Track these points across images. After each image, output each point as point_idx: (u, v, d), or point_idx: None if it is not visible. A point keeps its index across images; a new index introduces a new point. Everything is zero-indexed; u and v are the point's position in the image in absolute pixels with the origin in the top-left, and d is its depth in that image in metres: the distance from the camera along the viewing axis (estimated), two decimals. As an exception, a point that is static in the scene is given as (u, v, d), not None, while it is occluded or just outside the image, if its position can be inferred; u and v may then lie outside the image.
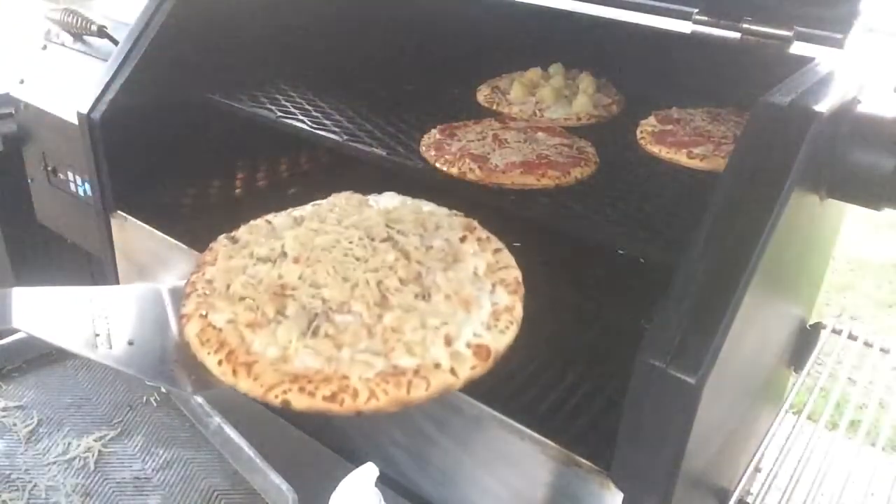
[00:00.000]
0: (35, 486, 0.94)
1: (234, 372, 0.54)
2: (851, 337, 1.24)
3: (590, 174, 0.95)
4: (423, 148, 1.00)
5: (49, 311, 0.65)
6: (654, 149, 1.03)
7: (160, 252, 1.18)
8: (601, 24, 1.22)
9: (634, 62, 1.24)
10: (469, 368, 0.54)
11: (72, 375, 1.12)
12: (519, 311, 0.59)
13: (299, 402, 0.52)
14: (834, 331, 1.22)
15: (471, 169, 0.92)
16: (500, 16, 1.36)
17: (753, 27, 1.03)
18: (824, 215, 0.94)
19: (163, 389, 1.09)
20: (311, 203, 0.66)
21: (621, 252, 0.80)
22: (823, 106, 0.73)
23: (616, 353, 1.08)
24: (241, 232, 0.62)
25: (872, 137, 0.79)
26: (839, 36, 0.95)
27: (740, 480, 0.99)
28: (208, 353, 0.55)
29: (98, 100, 1.15)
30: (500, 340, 0.55)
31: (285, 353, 0.53)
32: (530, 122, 1.12)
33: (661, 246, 0.79)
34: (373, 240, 0.58)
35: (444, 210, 0.67)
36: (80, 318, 0.64)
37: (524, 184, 0.91)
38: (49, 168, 1.39)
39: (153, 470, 0.96)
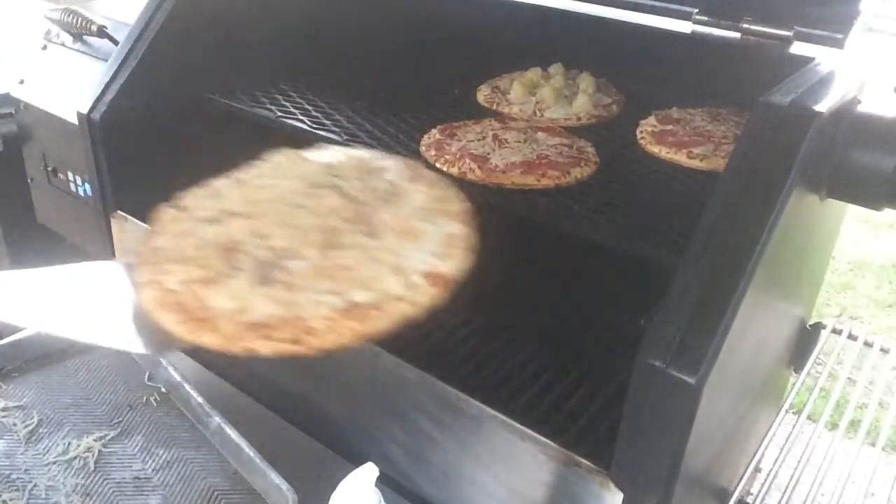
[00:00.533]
0: (35, 486, 0.94)
1: (195, 329, 0.53)
2: (851, 337, 1.24)
3: (590, 174, 0.95)
4: (423, 148, 1.00)
5: (9, 294, 0.64)
6: (654, 149, 1.03)
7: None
8: (601, 24, 1.22)
9: (634, 62, 1.24)
10: (426, 296, 0.53)
11: (72, 375, 1.12)
12: (472, 238, 0.59)
13: (264, 347, 0.53)
14: (834, 331, 1.22)
15: (471, 169, 0.92)
16: (500, 16, 1.36)
17: (753, 27, 1.03)
18: (824, 215, 0.94)
19: (163, 389, 1.09)
20: (240, 169, 0.65)
21: (621, 252, 0.80)
22: (823, 106, 0.73)
23: (616, 353, 1.08)
24: (186, 199, 0.62)
25: (872, 137, 0.79)
26: (839, 36, 0.95)
27: (740, 480, 0.99)
28: (167, 315, 0.54)
29: (98, 100, 1.15)
30: (454, 266, 0.56)
31: (243, 304, 0.53)
32: (530, 122, 1.12)
33: (660, 246, 0.79)
34: (316, 188, 0.58)
35: (385, 155, 0.67)
36: (42, 297, 0.62)
37: (524, 184, 0.91)
38: (49, 168, 1.39)
39: (153, 470, 0.96)
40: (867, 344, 1.24)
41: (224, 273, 0.55)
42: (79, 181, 1.33)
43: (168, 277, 0.56)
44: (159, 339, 0.56)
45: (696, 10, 1.07)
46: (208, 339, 0.54)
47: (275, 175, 0.62)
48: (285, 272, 0.54)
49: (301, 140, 1.10)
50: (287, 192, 0.59)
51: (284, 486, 0.89)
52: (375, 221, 0.57)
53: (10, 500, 0.91)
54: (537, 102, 1.18)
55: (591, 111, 1.15)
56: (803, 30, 0.99)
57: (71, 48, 1.39)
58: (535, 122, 1.13)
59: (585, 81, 1.23)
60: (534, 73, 1.26)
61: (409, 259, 0.53)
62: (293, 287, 0.53)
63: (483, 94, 1.23)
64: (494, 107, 1.19)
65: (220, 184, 0.63)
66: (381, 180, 0.61)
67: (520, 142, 1.01)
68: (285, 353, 0.53)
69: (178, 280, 0.55)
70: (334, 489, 0.82)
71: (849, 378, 1.19)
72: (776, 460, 1.01)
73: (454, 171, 0.93)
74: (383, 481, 0.86)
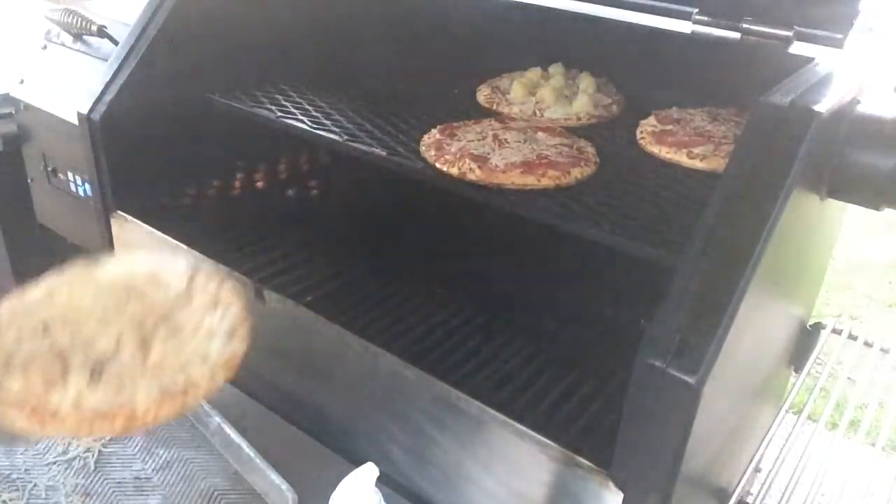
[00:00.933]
0: (35, 485, 0.94)
1: (42, 422, 0.64)
2: (851, 337, 1.24)
3: (590, 174, 0.95)
4: (423, 148, 1.00)
5: None
6: (654, 149, 1.03)
7: (160, 252, 1.18)
8: (601, 24, 1.22)
9: (634, 62, 1.24)
10: (224, 375, 0.68)
11: (72, 375, 1.12)
12: (248, 324, 0.72)
13: (102, 430, 0.65)
14: (834, 331, 1.22)
15: (471, 169, 0.92)
16: (500, 16, 1.36)
17: (753, 27, 1.03)
18: (824, 215, 0.94)
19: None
20: (44, 282, 0.76)
21: (621, 252, 0.80)
22: (823, 106, 0.73)
23: (616, 353, 1.08)
24: (3, 314, 0.72)
25: (872, 137, 0.79)
26: (839, 36, 0.95)
27: (740, 480, 0.99)
28: (15, 414, 0.64)
29: (98, 100, 1.15)
30: (241, 348, 0.69)
31: (80, 400, 0.64)
32: (530, 122, 1.12)
33: (660, 246, 0.79)
34: (122, 299, 0.71)
35: (164, 260, 0.82)
36: None
37: (524, 184, 0.91)
38: (49, 168, 1.39)
39: (153, 470, 0.96)
40: (867, 344, 1.23)
41: (60, 374, 0.66)
42: (79, 181, 1.33)
43: (12, 382, 0.65)
44: (9, 433, 0.67)
45: (696, 10, 1.07)
46: (54, 430, 0.65)
47: (82, 288, 0.73)
48: (111, 370, 0.66)
49: (301, 140, 1.10)
50: (98, 303, 0.71)
51: (284, 486, 0.90)
52: (175, 321, 0.71)
53: (10, 500, 0.91)
54: (537, 102, 1.18)
55: (591, 111, 1.15)
56: (803, 30, 0.99)
57: (71, 48, 1.39)
58: (535, 122, 1.13)
59: (585, 81, 1.23)
60: (534, 73, 1.26)
61: (207, 348, 0.68)
62: (120, 382, 0.66)
63: (483, 94, 1.23)
64: (494, 107, 1.19)
65: (31, 297, 0.73)
66: (171, 286, 0.74)
67: (520, 142, 1.01)
68: (119, 431, 0.65)
69: (18, 387, 0.65)
70: (334, 489, 0.82)
71: (849, 378, 1.19)
72: (776, 460, 1.01)
73: (454, 171, 0.93)
74: (383, 481, 0.86)
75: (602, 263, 1.20)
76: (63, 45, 1.40)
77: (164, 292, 0.73)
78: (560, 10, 1.26)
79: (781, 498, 0.97)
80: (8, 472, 0.95)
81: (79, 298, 0.72)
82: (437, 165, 0.95)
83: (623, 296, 1.22)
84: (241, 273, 1.09)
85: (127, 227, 1.22)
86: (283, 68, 1.29)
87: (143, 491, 0.93)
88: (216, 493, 0.93)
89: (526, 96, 1.20)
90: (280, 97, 1.18)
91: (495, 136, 1.02)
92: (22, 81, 1.41)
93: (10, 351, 0.68)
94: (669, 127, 1.07)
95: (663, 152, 1.01)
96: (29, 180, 1.48)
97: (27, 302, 0.71)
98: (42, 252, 1.65)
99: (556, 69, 1.28)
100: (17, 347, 0.69)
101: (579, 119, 1.14)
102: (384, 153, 0.99)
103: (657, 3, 1.11)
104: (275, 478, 0.91)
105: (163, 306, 0.71)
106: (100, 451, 0.99)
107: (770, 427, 1.07)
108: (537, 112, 1.15)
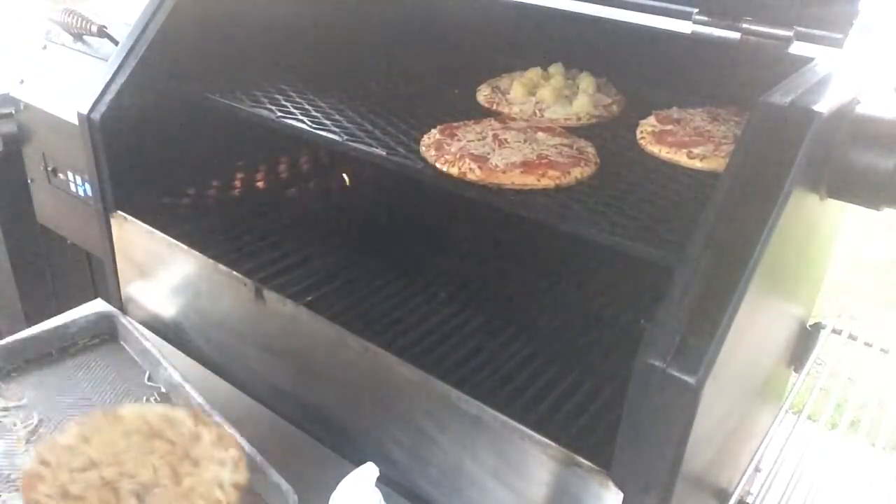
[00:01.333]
0: (35, 486, 0.93)
1: None
2: (851, 337, 1.24)
3: (590, 174, 0.95)
4: (423, 148, 1.00)
5: None
6: (654, 149, 1.03)
7: (160, 252, 1.18)
8: (601, 24, 1.22)
9: (634, 62, 1.24)
10: (237, 498, 0.83)
11: (72, 375, 1.12)
12: (244, 463, 0.88)
13: None
14: (834, 331, 1.22)
15: (471, 169, 0.92)
16: (499, 16, 1.36)
17: (753, 27, 1.03)
18: (824, 215, 0.94)
19: (163, 389, 1.09)
20: (75, 422, 0.90)
21: (621, 252, 0.80)
22: (823, 106, 0.73)
23: (616, 353, 1.08)
24: (50, 457, 0.84)
25: (872, 137, 0.79)
26: (839, 36, 0.95)
27: (740, 480, 0.99)
28: None
29: (98, 100, 1.15)
30: (245, 477, 0.86)
31: None
32: (530, 122, 1.12)
33: (660, 246, 0.79)
34: (148, 437, 0.87)
35: (169, 407, 0.96)
36: None
37: (524, 184, 0.91)
38: (49, 168, 1.39)
39: (153, 470, 0.96)
40: (867, 344, 1.23)
41: (114, 501, 0.80)
42: (79, 181, 1.33)
43: None
44: None
45: (696, 10, 1.07)
46: None
47: (111, 430, 0.88)
48: (153, 498, 0.81)
49: (301, 140, 1.10)
50: (130, 441, 0.86)
51: (284, 486, 0.89)
52: (193, 455, 0.87)
53: (10, 499, 0.91)
54: (537, 102, 1.18)
55: (592, 111, 1.15)
56: (803, 30, 0.99)
57: (71, 48, 1.39)
58: (535, 122, 1.13)
59: (585, 81, 1.23)
60: (534, 73, 1.26)
61: (222, 477, 0.84)
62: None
63: (483, 94, 1.23)
64: (494, 107, 1.19)
65: (66, 441, 0.85)
66: (181, 425, 0.90)
67: (520, 142, 1.01)
68: None
69: None
70: (334, 489, 0.82)
71: (849, 378, 1.19)
72: (776, 460, 1.01)
73: (454, 171, 0.93)
74: (383, 481, 0.86)
75: (602, 263, 1.20)
76: (63, 45, 1.41)
77: (178, 431, 0.89)
78: (560, 10, 1.26)
79: (781, 498, 0.97)
80: (8, 472, 0.95)
81: (112, 439, 0.85)
82: (437, 165, 0.95)
83: (623, 296, 1.22)
84: (241, 273, 1.09)
85: (127, 227, 1.22)
86: (283, 68, 1.29)
87: (143, 491, 0.93)
88: (216, 493, 0.93)
89: (526, 96, 1.20)
90: (280, 97, 1.18)
91: (495, 136, 1.02)
92: (22, 81, 1.41)
93: (66, 484, 0.81)
94: (669, 127, 1.07)
95: (663, 152, 1.01)
96: (29, 180, 1.48)
97: (64, 445, 0.84)
98: (42, 252, 1.65)
99: (556, 69, 1.28)
100: (70, 481, 0.82)
101: (579, 119, 1.14)
102: (384, 153, 0.99)
103: (657, 3, 1.11)
104: (275, 478, 0.91)
105: (182, 443, 0.87)
106: (100, 452, 0.99)
107: (770, 427, 1.07)
108: (537, 112, 1.15)
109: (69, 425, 0.88)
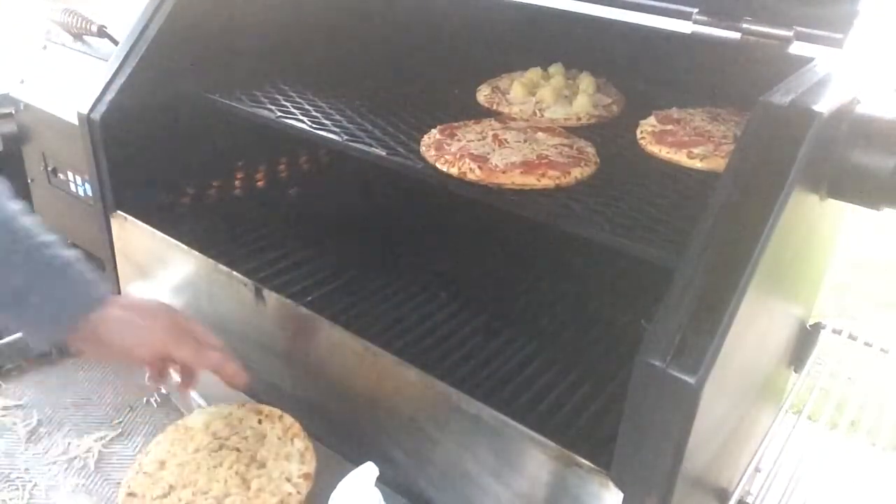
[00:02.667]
0: (35, 485, 0.94)
1: None
2: (851, 337, 1.24)
3: (590, 174, 0.95)
4: (423, 148, 1.00)
5: None
6: (654, 149, 1.03)
7: (160, 252, 1.18)
8: (601, 24, 1.22)
9: (634, 62, 1.24)
10: (306, 486, 0.90)
11: (72, 375, 1.12)
12: (311, 450, 0.95)
13: None
14: (834, 331, 1.22)
15: (471, 169, 0.92)
16: (499, 16, 1.36)
17: (753, 27, 1.03)
18: (824, 215, 0.94)
19: (163, 390, 1.09)
20: (154, 443, 0.96)
21: (621, 252, 0.80)
22: (823, 106, 0.73)
23: (616, 353, 1.08)
24: (136, 487, 0.90)
25: (872, 137, 0.79)
26: (839, 36, 0.95)
27: (740, 480, 0.99)
28: None
29: (98, 100, 1.15)
30: (312, 466, 0.92)
31: None
32: (530, 122, 1.12)
33: (660, 246, 0.79)
34: (214, 451, 0.93)
35: (234, 407, 1.02)
36: None
37: (524, 184, 0.91)
38: (49, 168, 1.39)
39: (153, 470, 0.96)
40: (867, 344, 1.23)
41: None
42: (79, 181, 1.33)
43: None
44: None
45: (696, 10, 1.07)
46: None
47: (182, 450, 0.94)
48: None
49: (301, 140, 1.10)
50: (200, 458, 0.92)
51: (284, 486, 0.90)
52: (260, 458, 0.93)
53: (10, 499, 0.91)
54: (537, 102, 1.18)
55: (591, 111, 1.15)
56: (803, 30, 0.99)
57: (71, 48, 1.39)
58: (535, 122, 1.13)
59: (585, 81, 1.23)
60: (534, 73, 1.26)
61: (289, 471, 0.91)
62: None
63: (483, 94, 1.23)
64: (494, 107, 1.19)
65: (148, 468, 0.92)
66: (247, 428, 0.97)
67: (520, 142, 1.01)
68: None
69: None
70: (334, 489, 0.82)
71: (849, 378, 1.19)
72: (776, 460, 1.01)
73: (454, 171, 0.93)
74: (383, 481, 0.86)
75: (602, 263, 1.20)
76: (63, 45, 1.41)
77: (242, 436, 0.96)
78: (560, 10, 1.26)
79: (781, 498, 0.97)
80: (8, 471, 0.95)
81: (183, 460, 0.92)
82: (437, 165, 0.95)
83: (623, 296, 1.22)
84: (241, 273, 1.09)
85: (127, 227, 1.22)
86: (283, 68, 1.29)
87: (143, 491, 0.93)
88: (216, 493, 0.93)
89: (526, 96, 1.20)
90: (280, 97, 1.18)
91: (495, 136, 1.02)
92: (22, 81, 1.41)
93: None
94: (669, 127, 1.07)
95: (663, 152, 1.01)
96: (29, 180, 1.48)
97: (146, 472, 0.91)
98: (42, 252, 1.65)
99: (556, 69, 1.28)
100: None
101: (579, 119, 1.14)
102: (384, 153, 0.99)
103: (657, 3, 1.11)
104: (275, 478, 0.91)
105: (247, 448, 0.94)
106: (100, 452, 0.99)
107: (770, 427, 1.07)
108: (537, 112, 1.15)
109: (149, 447, 0.95)
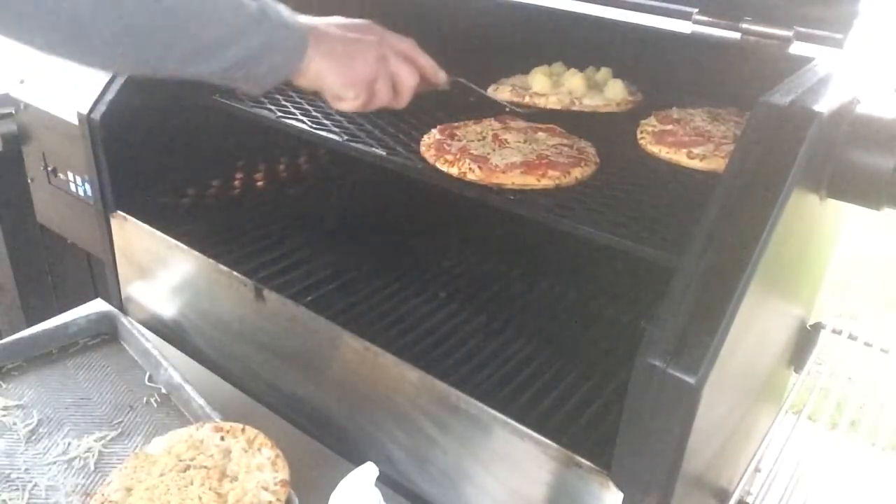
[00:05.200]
0: (35, 485, 0.94)
1: None
2: (851, 337, 1.24)
3: (590, 174, 0.95)
4: (423, 148, 1.00)
5: None
6: (654, 149, 1.03)
7: (160, 252, 1.18)
8: (601, 24, 1.22)
9: (634, 62, 1.24)
10: (285, 494, 0.88)
11: (72, 375, 1.12)
12: (282, 457, 0.93)
13: None
14: (834, 331, 1.22)
15: (471, 169, 0.92)
16: (499, 16, 1.36)
17: (753, 27, 1.03)
18: (824, 215, 0.94)
19: (163, 390, 1.09)
20: (115, 472, 0.93)
21: (621, 252, 0.80)
22: (823, 106, 0.73)
23: (616, 353, 1.08)
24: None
25: (872, 137, 0.79)
26: (839, 36, 0.95)
27: (740, 480, 0.99)
28: None
29: (98, 100, 1.15)
30: (286, 472, 0.90)
31: None
32: (564, 109, 1.13)
33: (661, 246, 0.79)
34: (183, 471, 0.91)
35: (192, 429, 0.98)
36: None
37: (524, 184, 0.91)
38: (49, 168, 1.39)
39: (153, 470, 0.96)
40: (867, 344, 1.23)
41: None
42: (79, 181, 1.33)
43: None
44: None
45: (696, 10, 1.07)
46: None
47: (148, 474, 0.91)
48: None
49: (301, 140, 1.10)
50: (168, 480, 0.89)
51: (284, 486, 0.90)
52: (230, 471, 0.91)
53: (10, 499, 0.91)
54: (570, 93, 1.18)
55: (627, 97, 1.16)
56: (803, 30, 0.99)
57: (71, 48, 1.38)
58: (570, 107, 1.14)
59: (604, 72, 1.23)
60: (554, 67, 1.27)
61: (263, 481, 0.89)
62: None
63: (507, 91, 1.22)
64: (526, 99, 1.18)
65: (114, 497, 0.88)
66: (209, 446, 0.94)
67: (520, 142, 1.01)
68: None
69: None
70: (334, 489, 0.82)
71: (849, 378, 1.19)
72: (776, 460, 1.01)
73: (454, 171, 0.93)
74: (383, 481, 0.86)
75: (602, 263, 1.20)
76: (63, 45, 1.40)
77: (207, 454, 0.93)
78: (560, 11, 1.26)
79: (781, 498, 0.97)
80: (8, 471, 0.95)
81: (151, 483, 0.89)
82: (437, 165, 0.95)
83: (623, 296, 1.22)
84: (241, 273, 1.09)
85: (127, 227, 1.22)
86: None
87: (143, 491, 0.93)
88: (216, 493, 0.93)
89: (552, 88, 1.20)
90: (280, 97, 1.18)
91: (495, 136, 1.02)
92: (22, 81, 1.41)
93: None
94: (669, 127, 1.07)
95: (663, 152, 1.01)
96: (29, 180, 1.48)
97: (112, 501, 0.88)
98: (42, 252, 1.65)
99: (557, 68, 1.28)
100: None
101: (618, 105, 1.15)
102: (384, 153, 0.99)
103: (657, 3, 1.11)
104: (275, 478, 0.91)
105: (214, 465, 0.91)
106: (100, 452, 0.99)
107: (770, 427, 1.07)
108: (575, 102, 1.16)
109: (112, 475, 0.92)
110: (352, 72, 0.88)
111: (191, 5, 0.75)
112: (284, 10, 0.83)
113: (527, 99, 1.18)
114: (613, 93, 1.16)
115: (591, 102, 1.15)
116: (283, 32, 0.82)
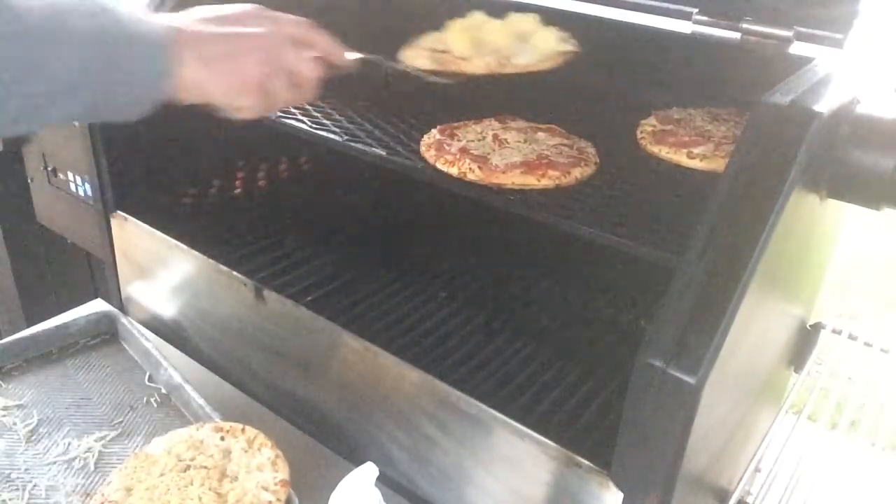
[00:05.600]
0: (35, 485, 0.94)
1: None
2: (851, 337, 1.24)
3: (590, 174, 0.95)
4: (423, 148, 1.00)
5: None
6: (654, 149, 1.03)
7: (160, 252, 1.18)
8: (601, 24, 1.22)
9: (634, 62, 1.24)
10: (285, 494, 0.89)
11: (72, 375, 1.12)
12: (282, 457, 0.93)
13: None
14: (834, 331, 1.22)
15: (471, 169, 0.92)
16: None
17: (753, 27, 1.03)
18: (824, 215, 0.94)
19: (163, 390, 1.09)
20: (115, 472, 0.93)
21: (621, 252, 0.80)
22: (823, 106, 0.73)
23: (616, 353, 1.08)
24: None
25: (872, 137, 0.79)
26: (839, 36, 0.95)
27: (740, 480, 0.99)
28: None
29: (98, 100, 1.14)
30: (286, 472, 0.91)
31: None
32: (494, 70, 0.99)
33: (660, 246, 0.79)
34: (183, 471, 0.91)
35: (193, 429, 0.98)
36: None
37: (524, 184, 0.91)
38: (49, 168, 1.39)
39: (153, 470, 0.96)
40: (867, 344, 1.23)
41: None
42: (79, 181, 1.33)
43: None
44: None
45: (696, 11, 1.07)
46: None
47: (148, 474, 0.91)
48: None
49: (301, 140, 1.10)
50: (168, 480, 0.89)
51: (284, 486, 0.90)
52: (230, 472, 0.91)
53: (10, 499, 0.91)
54: (496, 51, 1.06)
55: (564, 47, 1.06)
56: (803, 30, 0.99)
57: (71, 48, 1.38)
58: (500, 70, 1.03)
59: (530, 20, 1.08)
60: (473, 18, 1.11)
61: (263, 482, 0.89)
62: None
63: (422, 59, 1.08)
64: (449, 67, 1.06)
65: (113, 497, 0.88)
66: (209, 446, 0.94)
67: (520, 142, 1.01)
68: None
69: None
70: (334, 489, 0.82)
71: (849, 378, 1.19)
72: (776, 460, 1.01)
73: (454, 171, 0.93)
74: (383, 481, 0.86)
75: (602, 263, 1.20)
76: (63, 45, 1.40)
77: (207, 454, 0.93)
78: (560, 11, 1.26)
79: (781, 498, 0.97)
80: (8, 471, 0.95)
81: (151, 483, 0.89)
82: (437, 165, 0.95)
83: (623, 296, 1.22)
84: (241, 273, 1.09)
85: (127, 227, 1.22)
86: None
87: (143, 491, 0.93)
88: (216, 493, 0.93)
89: (475, 47, 1.06)
90: (280, 97, 1.18)
91: (495, 136, 1.02)
92: (22, 81, 1.41)
93: None
94: (669, 127, 1.07)
95: (663, 152, 1.01)
96: (29, 180, 1.48)
97: (112, 501, 0.88)
98: (42, 252, 1.65)
99: (475, 18, 1.13)
100: None
101: (553, 59, 1.05)
102: (384, 153, 0.99)
103: (657, 3, 1.11)
104: (275, 478, 0.91)
105: (214, 465, 0.91)
106: (100, 452, 0.99)
107: (770, 427, 1.07)
108: (503, 63, 1.04)
109: (112, 475, 0.92)
110: (238, 75, 0.74)
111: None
112: (130, 15, 0.67)
113: (450, 66, 1.06)
114: (545, 44, 1.04)
115: (521, 61, 1.03)
116: (133, 50, 0.66)
